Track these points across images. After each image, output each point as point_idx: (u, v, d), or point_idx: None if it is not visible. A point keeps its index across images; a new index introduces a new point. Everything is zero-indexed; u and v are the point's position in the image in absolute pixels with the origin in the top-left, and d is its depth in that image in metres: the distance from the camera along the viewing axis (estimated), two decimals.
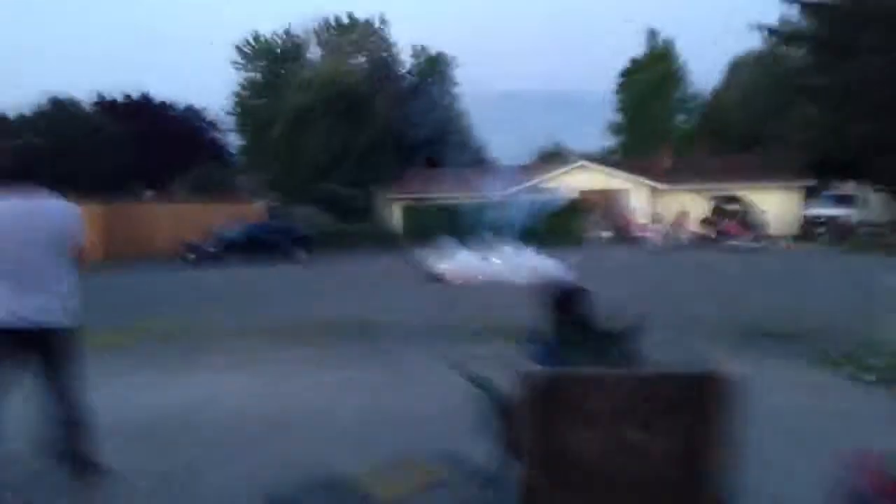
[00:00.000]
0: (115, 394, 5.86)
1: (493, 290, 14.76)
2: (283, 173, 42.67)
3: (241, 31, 47.64)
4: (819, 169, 32.55)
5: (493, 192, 28.16)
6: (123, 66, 65.60)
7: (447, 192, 33.81)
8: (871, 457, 2.35)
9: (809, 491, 3.82)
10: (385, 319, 10.10)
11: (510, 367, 2.09)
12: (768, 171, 33.33)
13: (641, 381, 1.97)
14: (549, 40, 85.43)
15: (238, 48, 49.61)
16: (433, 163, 37.45)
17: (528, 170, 35.57)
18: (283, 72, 48.10)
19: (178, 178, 38.02)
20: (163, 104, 41.05)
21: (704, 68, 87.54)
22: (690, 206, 32.78)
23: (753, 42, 39.92)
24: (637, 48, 52.68)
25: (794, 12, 32.53)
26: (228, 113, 48.35)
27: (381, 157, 42.60)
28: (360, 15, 51.07)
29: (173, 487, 4.17)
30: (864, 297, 10.25)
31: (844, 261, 20.70)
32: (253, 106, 48.48)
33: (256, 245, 25.15)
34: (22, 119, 36.96)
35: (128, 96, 40.57)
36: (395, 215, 36.64)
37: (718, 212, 32.41)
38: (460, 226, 22.41)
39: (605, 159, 43.64)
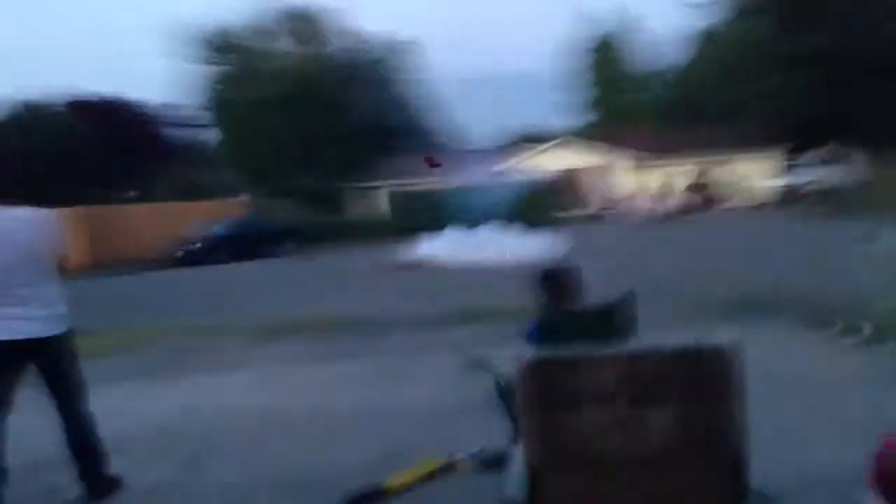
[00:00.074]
0: (111, 401, 5.81)
1: (480, 273, 14.77)
2: (260, 167, 42.39)
3: (208, 25, 46.88)
4: (792, 136, 32.83)
5: (472, 176, 28.10)
6: (91, 68, 64.57)
7: (427, 178, 33.74)
8: None
9: (807, 454, 3.86)
10: (374, 310, 10.06)
11: (506, 350, 2.08)
12: (745, 140, 33.55)
13: (633, 357, 1.97)
14: (520, 21, 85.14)
15: (206, 42, 48.96)
16: (411, 149, 37.34)
17: (506, 152, 35.58)
18: (251, 64, 47.58)
19: (157, 178, 37.64)
20: (136, 103, 40.43)
21: (677, 41, 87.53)
22: (671, 178, 32.99)
23: (721, 14, 39.90)
24: (607, 24, 52.55)
25: None
26: (203, 109, 47.73)
27: (355, 147, 42.41)
28: (326, 4, 50.62)
29: (172, 491, 4.14)
30: (846, 259, 10.34)
31: (824, 224, 20.88)
32: (225, 100, 47.97)
33: (242, 242, 24.96)
34: None
35: (101, 97, 39.88)
36: (377, 204, 36.53)
37: (698, 182, 32.68)
38: (443, 211, 22.38)
39: (584, 136, 43.64)
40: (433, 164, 28.21)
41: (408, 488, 3.76)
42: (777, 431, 4.11)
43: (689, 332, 2.08)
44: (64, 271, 4.03)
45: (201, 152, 45.01)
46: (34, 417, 4.06)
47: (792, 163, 32.07)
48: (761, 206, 28.82)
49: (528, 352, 2.01)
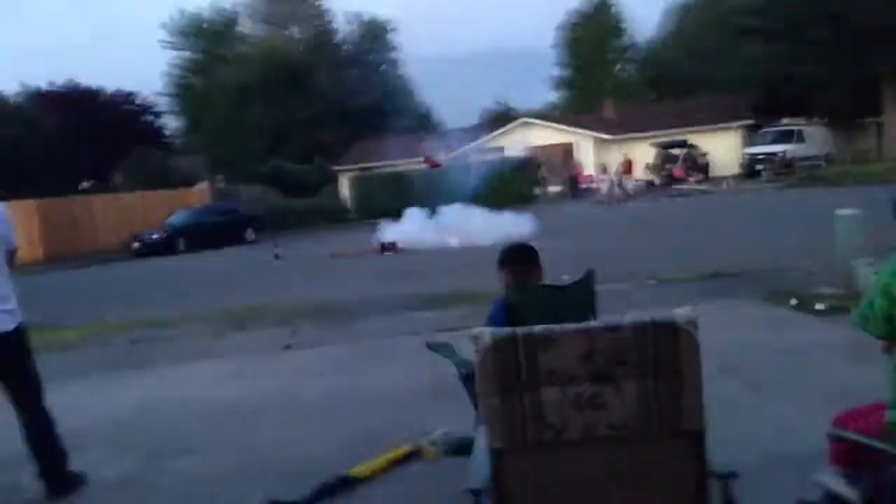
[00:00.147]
0: (74, 395, 5.68)
1: (445, 254, 14.77)
2: (226, 153, 41.70)
3: (167, 9, 45.85)
4: (758, 107, 33.24)
5: (442, 156, 28.03)
6: (48, 55, 62.63)
7: (394, 160, 33.53)
8: (861, 411, 2.38)
9: (768, 430, 3.92)
10: (340, 296, 9.99)
11: (469, 331, 2.05)
12: (709, 114, 33.91)
13: (592, 335, 1.95)
14: None
15: (165, 26, 47.88)
16: (379, 131, 37.04)
17: (474, 131, 35.48)
18: (215, 48, 46.68)
19: (116, 166, 36.76)
20: (92, 90, 39.21)
21: (643, 16, 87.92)
22: (636, 154, 33.21)
23: None
24: (574, 0, 52.51)
25: None
26: (163, 94, 46.66)
27: (325, 129, 41.95)
28: None
29: (136, 486, 4.06)
30: (809, 229, 10.53)
31: (786, 196, 21.27)
32: (188, 85, 46.99)
33: (204, 230, 24.57)
34: None
35: (54, 84, 38.62)
36: (342, 188, 36.24)
37: (662, 157, 32.93)
38: (409, 193, 22.28)
39: (550, 115, 43.72)
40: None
41: (375, 476, 3.74)
42: (738, 407, 4.16)
43: (649, 309, 2.07)
44: (13, 264, 3.92)
45: (164, 139, 44.03)
46: None
47: (756, 134, 32.45)
48: (727, 179, 29.19)
49: (485, 332, 1.98)
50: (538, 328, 1.96)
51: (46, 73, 61.72)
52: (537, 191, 31.03)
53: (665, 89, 44.57)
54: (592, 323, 2.13)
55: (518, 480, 1.98)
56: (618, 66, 51.47)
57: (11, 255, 3.92)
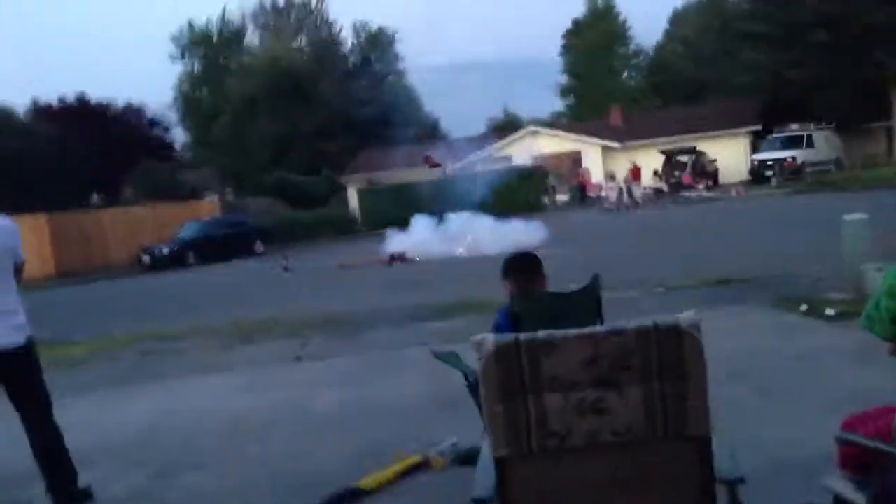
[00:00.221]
0: (84, 410, 5.70)
1: (453, 263, 14.76)
2: (232, 164, 41.89)
3: (175, 23, 46.31)
4: (765, 112, 33.13)
5: (447, 166, 28.06)
6: (57, 70, 63.18)
7: (401, 170, 33.58)
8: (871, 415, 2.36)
9: (776, 435, 3.88)
10: (348, 308, 9.99)
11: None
12: (717, 120, 33.82)
13: (596, 340, 1.94)
14: (492, 7, 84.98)
15: (174, 39, 48.27)
16: (384, 141, 37.13)
17: (480, 140, 35.51)
18: (222, 60, 47.02)
19: (125, 179, 36.96)
20: (101, 105, 39.51)
21: (647, 24, 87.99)
22: (643, 161, 33.13)
23: None
24: (579, 8, 52.70)
25: None
26: (171, 108, 47.00)
27: (332, 139, 42.06)
28: None
29: (144, 501, 4.07)
30: (818, 235, 10.46)
31: (795, 201, 21.17)
32: (195, 98, 47.32)
33: (213, 243, 24.67)
34: None
35: (63, 100, 38.94)
36: (351, 199, 36.28)
37: (670, 164, 32.82)
38: (417, 203, 22.27)
39: (557, 123, 43.75)
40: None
41: (383, 487, 3.73)
42: (746, 412, 4.13)
43: (655, 315, 2.07)
44: (20, 279, 3.94)
45: (172, 152, 44.28)
46: (1, 430, 3.97)
47: (763, 140, 32.32)
48: (736, 185, 29.07)
49: (488, 339, 1.97)
50: (541, 334, 1.95)
51: (56, 87, 62.23)
52: (545, 199, 30.99)
53: (670, 95, 44.55)
54: (595, 328, 2.13)
55: (522, 488, 1.97)
56: (625, 73, 51.52)
57: (19, 269, 3.92)
